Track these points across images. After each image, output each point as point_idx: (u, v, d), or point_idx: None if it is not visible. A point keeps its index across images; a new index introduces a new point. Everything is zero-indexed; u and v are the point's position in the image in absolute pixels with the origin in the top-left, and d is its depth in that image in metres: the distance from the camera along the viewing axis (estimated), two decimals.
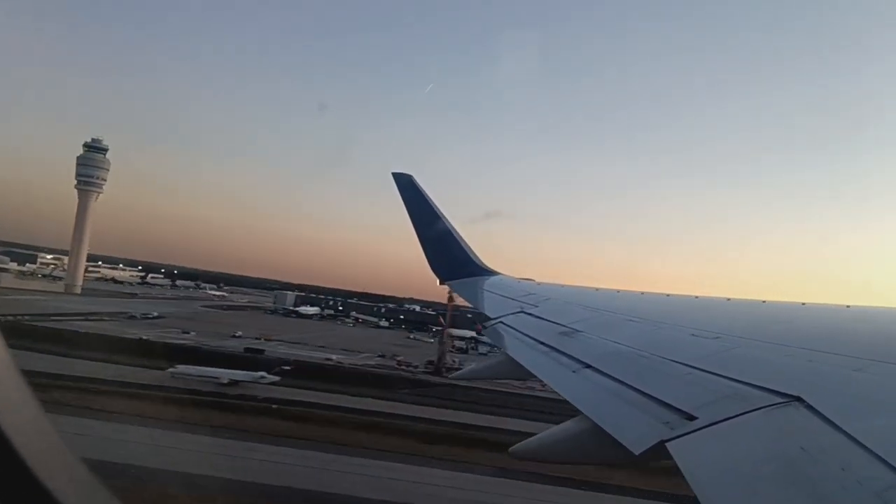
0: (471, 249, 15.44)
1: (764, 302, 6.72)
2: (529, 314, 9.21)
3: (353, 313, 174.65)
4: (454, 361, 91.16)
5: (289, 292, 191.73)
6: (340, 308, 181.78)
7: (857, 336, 5.04)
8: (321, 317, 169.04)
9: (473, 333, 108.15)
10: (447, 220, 15.63)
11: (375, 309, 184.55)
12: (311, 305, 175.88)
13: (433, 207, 15.63)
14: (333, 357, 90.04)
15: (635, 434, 3.84)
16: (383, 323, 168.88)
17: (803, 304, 6.24)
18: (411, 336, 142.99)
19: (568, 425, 4.84)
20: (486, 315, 10.53)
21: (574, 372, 5.64)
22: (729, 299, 7.30)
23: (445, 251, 15.22)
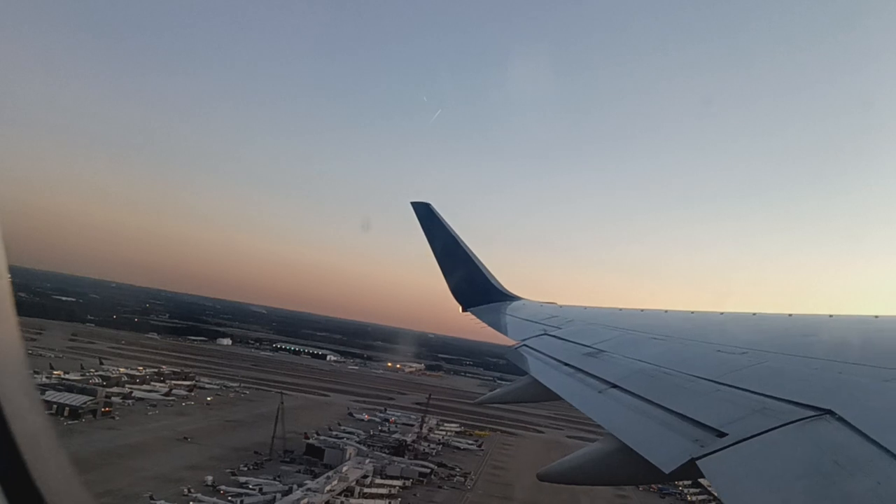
0: (492, 275, 15.40)
1: (790, 315, 6.62)
2: (553, 336, 9.16)
3: None
4: None
5: None
6: None
7: (886, 346, 4.94)
8: None
9: None
10: (467, 246, 15.64)
11: None
12: None
13: (453, 235, 15.66)
14: None
15: (665, 452, 3.80)
16: None
17: (830, 315, 6.14)
18: None
19: (596, 446, 4.79)
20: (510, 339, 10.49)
21: (600, 392, 5.59)
22: (754, 314, 7.20)
23: (466, 278, 15.22)
